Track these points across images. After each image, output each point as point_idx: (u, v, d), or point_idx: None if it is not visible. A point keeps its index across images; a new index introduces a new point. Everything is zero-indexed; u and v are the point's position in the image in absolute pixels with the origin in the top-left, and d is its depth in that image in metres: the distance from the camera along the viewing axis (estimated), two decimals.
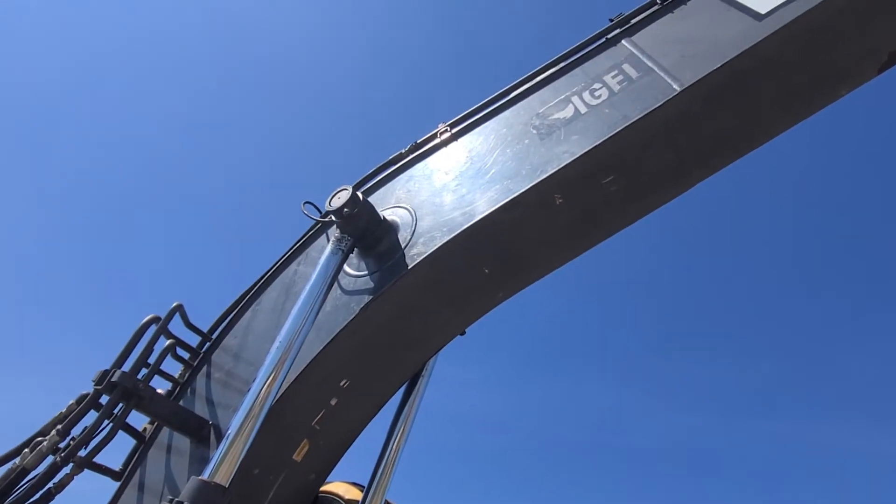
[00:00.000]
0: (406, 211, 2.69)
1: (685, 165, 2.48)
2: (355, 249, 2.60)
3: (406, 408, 2.74)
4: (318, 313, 2.31)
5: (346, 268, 2.60)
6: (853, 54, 2.32)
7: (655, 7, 2.66)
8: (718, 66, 2.22)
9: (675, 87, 2.27)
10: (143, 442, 2.56)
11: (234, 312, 2.89)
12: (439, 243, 2.42)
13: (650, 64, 2.44)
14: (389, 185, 2.94)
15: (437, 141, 2.92)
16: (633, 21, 2.73)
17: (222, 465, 1.84)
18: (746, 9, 2.34)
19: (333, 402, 2.42)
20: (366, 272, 2.53)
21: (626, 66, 2.53)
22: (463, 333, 2.86)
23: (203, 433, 2.38)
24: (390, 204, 2.81)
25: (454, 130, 2.90)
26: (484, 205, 2.42)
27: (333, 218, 2.49)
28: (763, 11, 2.28)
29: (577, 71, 2.72)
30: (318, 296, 2.32)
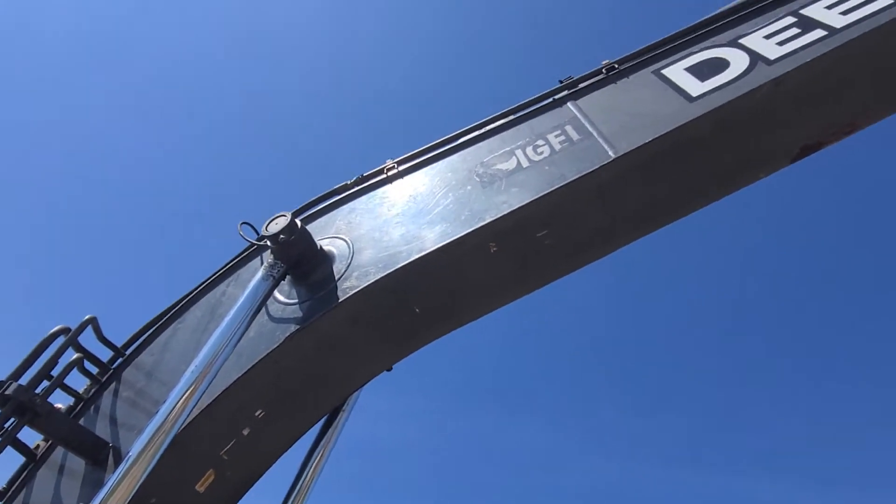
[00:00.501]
0: (344, 242, 2.69)
1: (616, 227, 2.61)
2: (288, 276, 2.57)
3: (323, 441, 2.69)
4: (240, 338, 2.26)
5: (276, 294, 2.57)
6: (770, 144, 2.53)
7: (601, 76, 2.81)
8: (650, 139, 2.37)
9: (610, 153, 2.41)
10: (34, 461, 2.39)
11: (154, 328, 2.77)
12: (373, 279, 2.43)
13: (591, 129, 2.58)
14: (331, 214, 2.94)
15: (383, 176, 2.95)
16: (580, 86, 2.88)
17: (116, 492, 1.75)
18: (681, 90, 2.52)
19: (245, 431, 2.35)
20: (296, 301, 2.50)
21: (568, 128, 2.66)
22: (389, 370, 2.84)
23: (101, 456, 2.25)
24: (330, 234, 2.81)
25: (401, 168, 2.95)
26: (421, 245, 2.46)
27: (268, 243, 2.46)
28: (694, 94, 2.46)
29: (524, 126, 2.83)
30: (243, 320, 2.28)
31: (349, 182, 3.03)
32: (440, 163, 2.89)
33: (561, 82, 2.97)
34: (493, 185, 2.59)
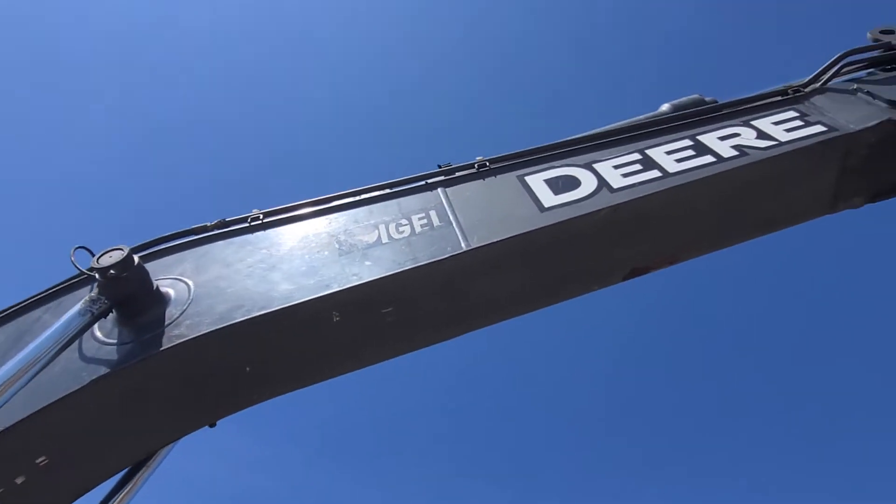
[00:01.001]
0: (186, 287, 2.59)
1: (458, 314, 2.72)
2: (114, 313, 2.41)
3: (116, 498, 2.46)
4: (38, 372, 2.06)
5: (96, 330, 2.39)
6: (604, 261, 2.80)
7: (472, 171, 3.00)
8: (500, 238, 2.53)
9: (463, 245, 2.54)
10: None
11: None
12: (205, 330, 2.34)
13: (451, 217, 2.72)
14: (182, 254, 2.83)
15: (245, 225, 2.91)
16: (455, 175, 3.04)
17: None
18: (536, 198, 2.74)
19: (20, 480, 2.10)
20: (115, 341, 2.34)
21: (432, 213, 2.78)
22: (212, 426, 2.70)
23: None
24: (174, 274, 2.69)
25: (266, 220, 2.92)
26: (263, 303, 2.42)
27: (96, 276, 2.31)
28: (546, 205, 2.69)
29: (394, 202, 2.93)
30: (47, 353, 2.09)
31: (209, 224, 2.95)
32: (306, 222, 2.90)
33: (440, 167, 3.13)
34: (350, 254, 2.63)
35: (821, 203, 3.02)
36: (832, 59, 3.18)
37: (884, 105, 2.86)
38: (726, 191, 2.75)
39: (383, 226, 2.77)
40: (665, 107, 3.33)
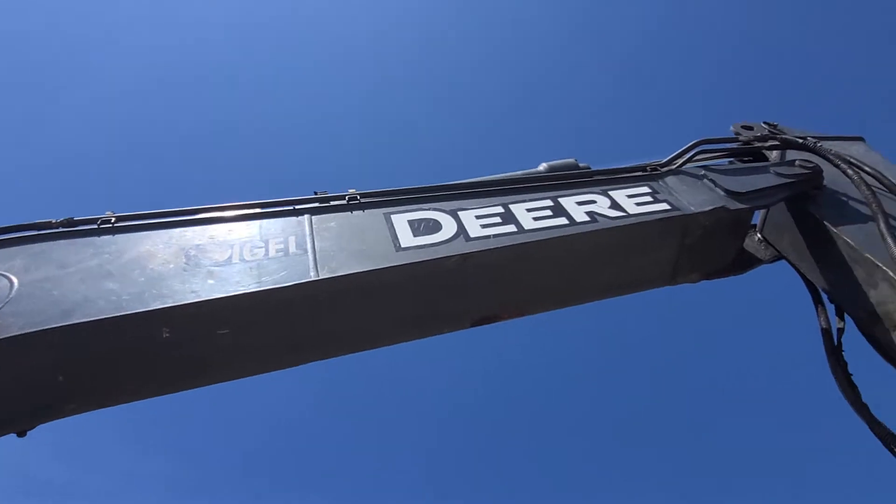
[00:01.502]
0: (8, 284, 2.43)
1: (300, 343, 2.71)
2: None
3: None
4: None
5: None
6: (454, 306, 2.89)
7: (343, 202, 3.03)
8: (348, 273, 2.56)
9: (311, 274, 2.54)
10: None
11: None
12: (15, 332, 2.20)
13: (309, 246, 2.72)
14: (16, 249, 2.65)
15: (93, 227, 2.78)
16: (328, 204, 3.06)
17: None
18: (395, 237, 2.80)
19: None
20: None
21: (291, 238, 2.77)
22: (22, 435, 2.51)
23: None
24: (1, 268, 2.52)
25: (117, 224, 2.81)
26: (86, 311, 2.31)
27: None
28: (402, 245, 2.75)
29: (256, 223, 2.90)
30: None
31: (55, 221, 2.80)
32: (160, 231, 2.81)
33: (315, 193, 3.14)
34: (195, 270, 2.56)
35: (661, 275, 3.27)
36: (688, 145, 3.49)
37: (722, 193, 3.16)
38: (572, 253, 2.92)
39: (239, 246, 2.73)
40: (542, 166, 3.52)
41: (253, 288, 2.48)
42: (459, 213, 3.00)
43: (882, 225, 2.70)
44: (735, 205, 3.09)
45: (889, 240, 2.61)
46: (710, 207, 3.05)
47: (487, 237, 2.82)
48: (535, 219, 2.97)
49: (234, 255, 2.67)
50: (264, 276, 2.53)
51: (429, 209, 3.04)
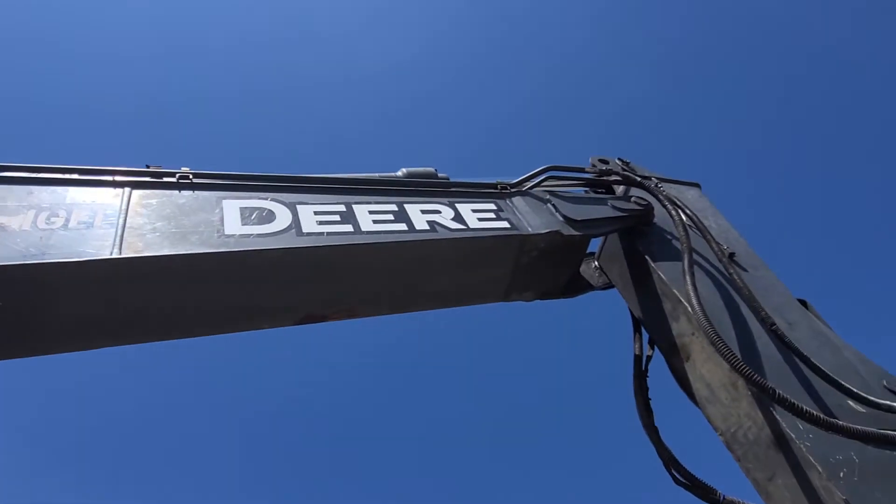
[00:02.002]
0: None
1: (98, 324, 2.49)
2: None
3: None
4: None
5: None
6: (278, 301, 2.79)
7: (172, 179, 2.83)
8: (153, 255, 2.38)
9: (108, 252, 2.33)
10: None
11: None
12: None
13: (120, 221, 2.50)
14: None
15: None
16: (159, 179, 2.84)
17: None
18: (222, 223, 2.65)
19: None
20: None
21: (101, 211, 2.54)
22: None
23: None
24: None
25: None
26: None
27: None
28: (227, 231, 2.61)
29: (65, 189, 2.63)
30: None
31: None
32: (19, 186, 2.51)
33: (148, 167, 2.91)
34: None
35: (495, 291, 3.36)
36: (538, 170, 3.63)
37: (560, 219, 3.31)
38: (405, 260, 2.93)
39: (36, 211, 2.46)
40: (402, 171, 3.51)
41: (31, 259, 2.23)
42: (298, 206, 2.91)
43: (685, 263, 2.94)
44: (569, 230, 3.24)
45: (688, 277, 2.85)
46: (546, 230, 3.18)
47: (320, 234, 2.75)
48: (375, 221, 2.94)
49: (26, 221, 2.40)
50: (52, 249, 2.29)
51: (267, 199, 2.92)
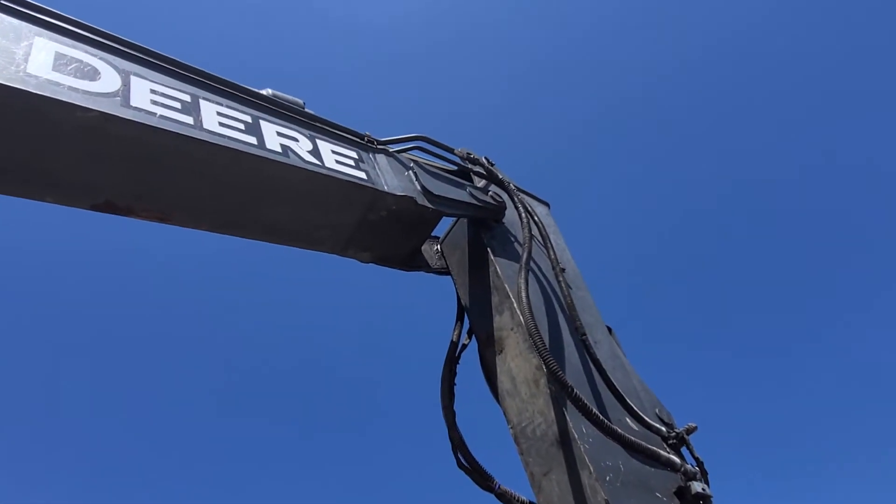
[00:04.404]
0: None
1: None
2: None
3: None
4: None
5: None
6: (71, 176, 2.33)
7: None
8: None
9: None
10: None
11: None
12: None
13: None
14: None
15: None
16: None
17: None
18: (25, 58, 2.15)
19: None
20: None
21: None
22: None
23: None
24: None
25: None
26: None
27: None
28: (28, 70, 2.11)
29: None
30: None
31: None
32: None
33: None
34: None
35: (334, 241, 3.16)
36: (411, 135, 3.52)
37: (418, 188, 3.22)
38: (243, 176, 2.62)
39: None
40: (268, 91, 3.16)
41: None
42: (133, 77, 2.47)
43: (523, 261, 3.01)
44: (423, 201, 3.16)
45: (522, 273, 2.91)
46: (401, 193, 3.07)
47: (151, 114, 2.35)
48: (222, 124, 2.60)
49: None
50: None
51: (96, 55, 2.43)
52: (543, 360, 2.43)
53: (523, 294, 2.72)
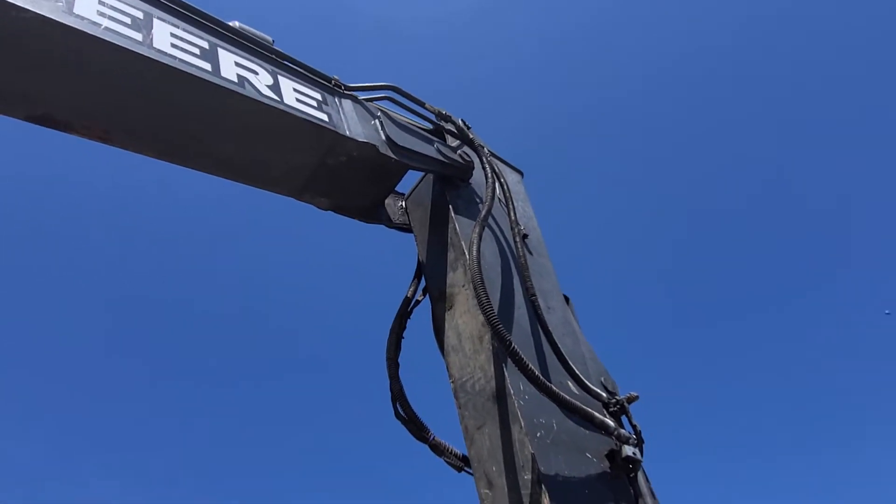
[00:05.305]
0: None
1: None
2: None
3: None
4: None
5: None
6: (20, 85, 2.23)
7: None
8: None
9: None
10: None
11: None
12: None
13: None
14: None
15: None
16: None
17: None
18: None
19: None
20: None
21: None
22: None
23: None
24: None
25: None
26: None
27: None
28: None
29: None
30: None
31: None
32: None
33: None
34: None
35: (291, 183, 3.08)
36: (381, 84, 3.43)
37: (383, 137, 3.14)
38: (194, 102, 2.52)
39: None
40: (235, 23, 3.05)
41: None
42: None
43: (480, 218, 2.95)
44: (386, 150, 3.09)
45: (477, 229, 2.85)
46: (364, 140, 2.99)
47: (95, 24, 2.24)
48: (175, 46, 2.49)
49: None
50: None
51: None
52: (484, 313, 2.39)
53: (474, 248, 2.67)
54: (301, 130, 2.83)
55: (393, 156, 3.12)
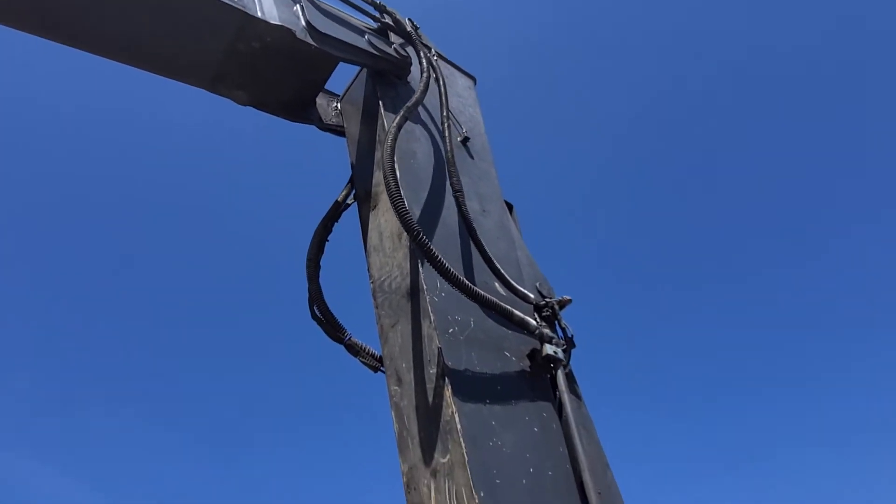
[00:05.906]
0: None
1: None
2: None
3: None
4: None
5: None
6: None
7: None
8: None
9: None
10: None
11: None
12: None
13: None
14: None
15: None
16: None
17: None
18: None
19: None
20: None
21: None
22: None
23: None
24: None
25: None
26: None
27: None
28: None
29: None
30: None
31: None
32: None
33: None
34: None
35: (200, 72, 2.84)
36: None
37: (302, 23, 2.87)
38: None
39: None
40: None
41: None
42: None
43: (403, 108, 2.74)
44: (304, 36, 2.83)
45: (398, 120, 2.64)
46: (277, 23, 2.72)
47: None
48: None
49: None
50: None
51: None
52: (392, 202, 2.22)
53: (390, 137, 2.47)
54: (204, 10, 2.56)
55: (313, 42, 2.86)
